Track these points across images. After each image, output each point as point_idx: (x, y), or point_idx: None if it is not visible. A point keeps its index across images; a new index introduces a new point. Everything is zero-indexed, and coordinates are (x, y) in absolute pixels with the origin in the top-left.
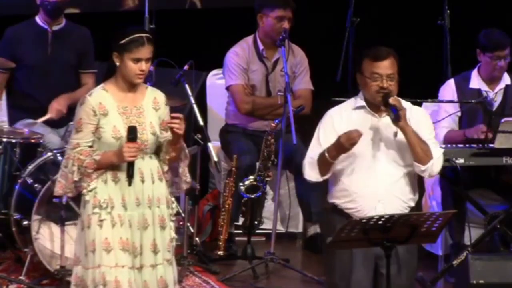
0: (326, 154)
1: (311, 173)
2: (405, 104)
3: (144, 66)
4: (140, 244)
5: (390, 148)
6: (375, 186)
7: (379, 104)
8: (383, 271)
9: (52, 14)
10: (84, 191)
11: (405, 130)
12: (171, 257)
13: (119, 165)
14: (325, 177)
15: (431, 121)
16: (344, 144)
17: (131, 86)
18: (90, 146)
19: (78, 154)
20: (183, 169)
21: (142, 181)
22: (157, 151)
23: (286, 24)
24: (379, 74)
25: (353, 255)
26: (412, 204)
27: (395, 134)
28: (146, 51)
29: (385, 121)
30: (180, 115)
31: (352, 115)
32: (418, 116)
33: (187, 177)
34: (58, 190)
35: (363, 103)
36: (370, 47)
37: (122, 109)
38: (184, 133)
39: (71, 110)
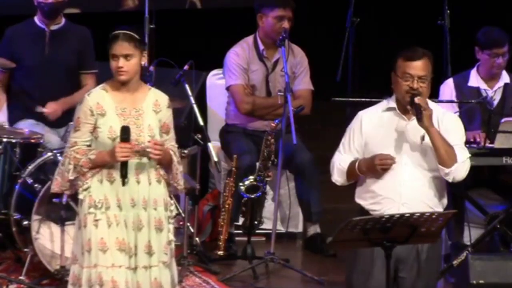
0: (356, 169)
1: (338, 178)
2: (438, 109)
3: (122, 62)
4: (134, 245)
5: (416, 151)
6: (399, 189)
7: (406, 104)
8: (402, 274)
9: (48, 15)
10: (79, 190)
11: (429, 131)
12: (168, 259)
13: (114, 165)
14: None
15: (463, 130)
16: (376, 167)
17: (123, 85)
18: (89, 145)
19: (75, 152)
20: (174, 176)
21: (138, 182)
22: None
23: (286, 24)
24: (411, 75)
25: (374, 259)
26: (439, 209)
27: (423, 138)
28: (120, 48)
29: (414, 124)
30: (161, 143)
31: (382, 117)
32: (449, 122)
33: (179, 184)
34: (54, 187)
35: (394, 104)
36: (407, 47)
37: (120, 110)
38: (163, 156)
39: (71, 110)
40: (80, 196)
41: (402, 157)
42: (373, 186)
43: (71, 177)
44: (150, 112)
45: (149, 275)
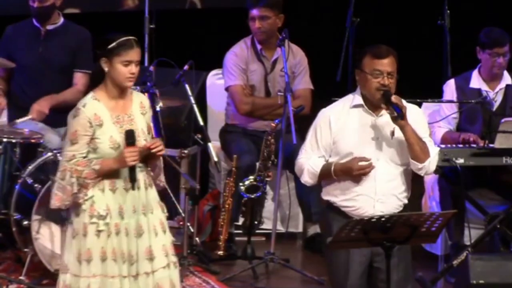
0: (332, 172)
1: (309, 180)
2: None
3: (134, 69)
4: (136, 251)
5: (388, 147)
6: (374, 186)
7: (377, 102)
8: (377, 265)
9: (37, 18)
10: (81, 200)
11: (405, 129)
12: (176, 259)
13: (117, 174)
14: None
15: (426, 119)
16: (354, 172)
17: (121, 92)
18: (85, 157)
19: (75, 165)
20: (157, 174)
21: (138, 188)
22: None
23: (257, 24)
24: (380, 71)
25: (350, 252)
26: (406, 201)
27: (392, 133)
28: (135, 54)
29: (383, 119)
30: (158, 141)
31: (350, 114)
32: (414, 114)
33: (161, 180)
34: (55, 202)
35: (360, 101)
36: (371, 45)
37: (115, 118)
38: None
39: (68, 108)
40: (83, 207)
41: (374, 153)
42: (346, 183)
43: (76, 190)
44: (139, 115)
45: (152, 280)
